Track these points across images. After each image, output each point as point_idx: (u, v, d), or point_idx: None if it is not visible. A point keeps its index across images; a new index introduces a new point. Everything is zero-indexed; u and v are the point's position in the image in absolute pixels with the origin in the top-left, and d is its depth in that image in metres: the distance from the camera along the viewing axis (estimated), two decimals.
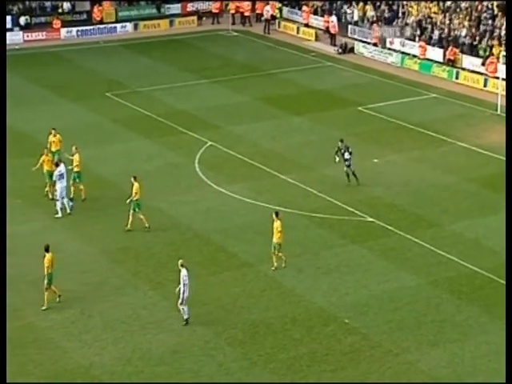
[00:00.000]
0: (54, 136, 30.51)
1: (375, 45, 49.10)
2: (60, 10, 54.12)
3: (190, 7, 57.11)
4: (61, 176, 27.96)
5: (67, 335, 21.60)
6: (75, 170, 28.76)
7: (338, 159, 30.68)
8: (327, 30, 52.00)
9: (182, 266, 21.86)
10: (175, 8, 56.74)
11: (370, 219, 28.38)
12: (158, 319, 22.20)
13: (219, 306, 23.09)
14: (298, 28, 53.76)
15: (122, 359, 20.61)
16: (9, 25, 51.64)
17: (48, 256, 22.46)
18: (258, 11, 55.72)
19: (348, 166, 30.65)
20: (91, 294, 23.55)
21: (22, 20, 52.24)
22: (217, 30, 55.03)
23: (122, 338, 21.50)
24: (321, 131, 36.98)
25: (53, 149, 30.10)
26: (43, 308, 22.51)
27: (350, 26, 51.68)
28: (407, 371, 20.35)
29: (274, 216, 24.81)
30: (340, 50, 49.73)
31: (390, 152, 34.41)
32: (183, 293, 21.64)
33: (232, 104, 40.60)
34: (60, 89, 42.18)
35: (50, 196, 29.03)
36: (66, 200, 28.05)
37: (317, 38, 52.26)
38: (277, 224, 24.65)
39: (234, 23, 55.38)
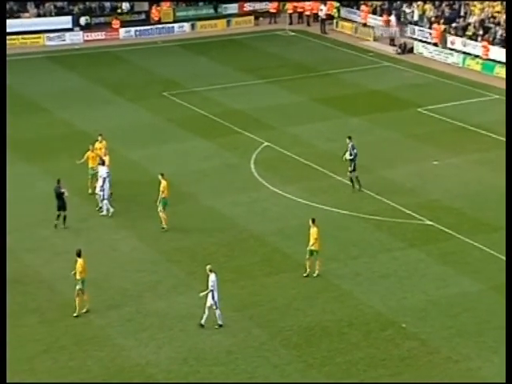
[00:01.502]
0: (100, 142, 30.49)
1: (435, 45, 48.30)
2: (119, 11, 54.79)
3: (247, 7, 57.16)
4: (109, 174, 28.14)
5: (124, 333, 21.72)
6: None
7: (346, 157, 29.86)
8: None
9: (210, 270, 21.68)
10: (232, 8, 56.85)
11: (429, 222, 27.83)
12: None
13: (274, 307, 22.91)
14: (355, 28, 53.26)
15: (177, 358, 20.62)
16: (69, 25, 52.54)
17: (80, 261, 22.21)
18: (313, 11, 55.43)
19: (351, 171, 29.70)
20: (147, 293, 23.64)
21: (83, 20, 53.02)
22: (274, 29, 54.92)
23: (177, 337, 21.51)
24: (378, 132, 36.50)
25: (103, 156, 30.19)
26: (75, 315, 22.24)
27: (409, 26, 50.96)
28: (468, 378, 19.86)
29: (310, 222, 24.35)
30: (399, 50, 49.06)
31: (450, 154, 33.75)
32: (213, 298, 21.50)
33: (288, 104, 40.39)
34: (118, 88, 42.60)
35: (90, 191, 29.22)
36: (107, 201, 28.11)
37: (375, 38, 51.69)
38: (313, 231, 24.18)
39: (291, 23, 55.21)
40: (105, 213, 28.18)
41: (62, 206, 27.29)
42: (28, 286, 23.93)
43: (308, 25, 55.26)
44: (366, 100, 40.79)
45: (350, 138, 30.35)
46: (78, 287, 22.10)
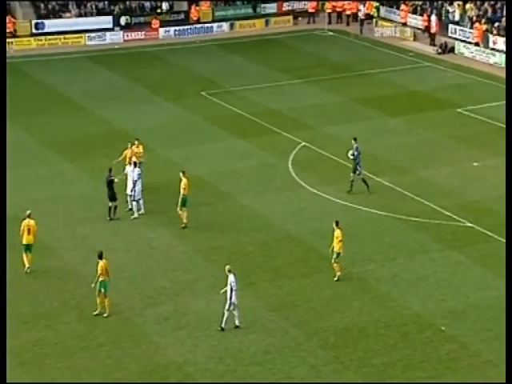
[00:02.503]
0: (137, 147, 30.43)
1: (477, 44, 47.67)
2: (159, 10, 55.17)
3: (286, 7, 57.11)
4: (140, 176, 28.26)
5: (161, 331, 21.84)
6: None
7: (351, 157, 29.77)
8: (426, 30, 50.91)
9: (229, 271, 21.61)
10: (271, 7, 56.86)
11: (469, 224, 27.49)
12: (250, 319, 22.15)
13: (311, 307, 22.86)
14: (395, 27, 52.81)
15: (214, 357, 20.68)
16: (110, 25, 53.04)
17: (101, 263, 22.21)
18: (353, 10, 55.17)
19: (354, 172, 29.43)
20: (184, 292, 23.75)
21: (123, 20, 53.49)
22: (312, 29, 54.79)
23: (214, 336, 21.56)
24: (418, 133, 36.18)
25: (136, 160, 30.28)
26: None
27: (450, 26, 50.38)
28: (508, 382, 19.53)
29: (334, 225, 24.17)
30: (439, 50, 48.54)
31: (491, 155, 33.29)
32: (230, 298, 21.43)
33: (326, 104, 40.26)
34: (156, 88, 42.87)
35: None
36: (141, 201, 28.30)
37: (415, 38, 51.23)
38: (337, 233, 24.00)
39: (329, 23, 55.03)
40: (136, 215, 28.21)
41: (112, 197, 27.58)
42: (67, 284, 24.21)
43: (347, 24, 55.01)
44: (405, 100, 40.46)
45: (355, 139, 30.17)
46: (102, 290, 22.17)
